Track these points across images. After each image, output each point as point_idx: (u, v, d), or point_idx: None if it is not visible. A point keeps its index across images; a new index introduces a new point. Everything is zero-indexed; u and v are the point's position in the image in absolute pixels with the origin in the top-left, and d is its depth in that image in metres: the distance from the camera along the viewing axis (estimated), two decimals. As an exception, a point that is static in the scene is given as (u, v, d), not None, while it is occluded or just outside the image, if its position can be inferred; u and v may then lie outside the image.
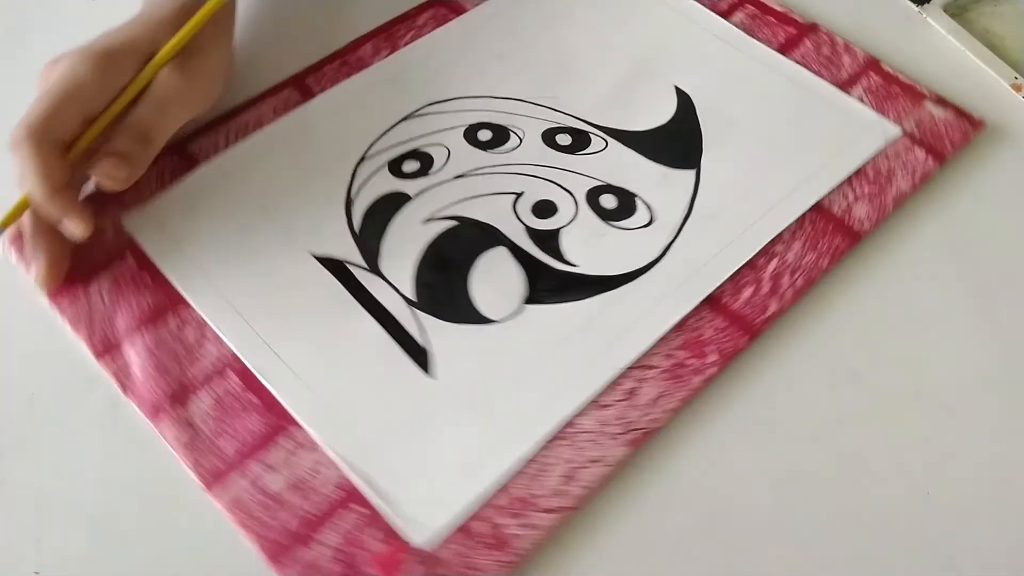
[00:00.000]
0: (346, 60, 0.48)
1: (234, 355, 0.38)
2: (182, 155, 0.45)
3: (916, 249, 0.42)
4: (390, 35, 0.50)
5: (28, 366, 0.40)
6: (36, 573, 0.35)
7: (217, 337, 0.38)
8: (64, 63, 0.40)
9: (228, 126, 0.45)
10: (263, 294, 0.39)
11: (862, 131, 0.45)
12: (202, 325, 0.39)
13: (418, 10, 0.51)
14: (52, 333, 0.41)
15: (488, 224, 0.42)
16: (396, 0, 0.51)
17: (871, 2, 0.52)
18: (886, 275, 0.42)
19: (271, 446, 0.36)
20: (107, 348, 0.38)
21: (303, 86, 0.47)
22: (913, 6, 0.52)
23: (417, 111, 0.46)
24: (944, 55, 0.50)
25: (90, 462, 0.37)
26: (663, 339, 0.38)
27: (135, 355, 0.38)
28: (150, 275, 0.40)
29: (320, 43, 0.50)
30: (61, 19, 0.54)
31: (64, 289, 0.40)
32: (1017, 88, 0.48)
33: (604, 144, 0.45)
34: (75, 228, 0.38)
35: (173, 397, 0.37)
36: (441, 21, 0.50)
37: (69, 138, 0.39)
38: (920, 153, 0.44)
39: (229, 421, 0.36)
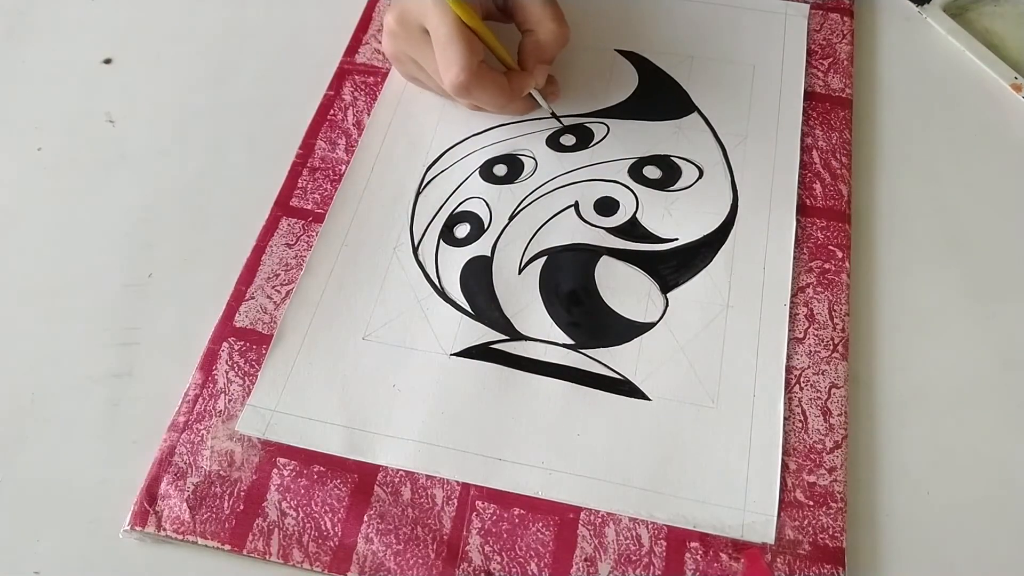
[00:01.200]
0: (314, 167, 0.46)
1: (468, 487, 0.36)
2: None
3: (917, 249, 0.42)
4: (331, 123, 0.47)
5: (28, 366, 0.40)
6: (36, 573, 0.35)
7: (443, 481, 0.36)
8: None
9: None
10: (444, 417, 0.38)
11: (784, 19, 0.50)
12: (412, 476, 0.36)
13: (335, 87, 0.49)
14: (53, 333, 0.41)
15: (574, 244, 0.42)
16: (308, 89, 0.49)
17: (871, 2, 0.52)
18: (887, 275, 0.42)
19: (579, 540, 0.35)
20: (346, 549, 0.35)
21: (290, 209, 0.44)
22: (913, 6, 0.52)
23: (423, 183, 0.45)
24: (944, 55, 0.50)
25: (90, 462, 0.37)
26: (795, 258, 0.41)
27: (381, 545, 0.35)
28: (326, 468, 0.37)
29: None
30: (61, 19, 0.54)
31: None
32: (1017, 88, 0.47)
33: (606, 129, 0.46)
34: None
35: (447, 559, 0.35)
36: (365, 91, 0.49)
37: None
38: (835, 16, 0.51)
39: (516, 549, 0.35)
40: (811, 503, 0.35)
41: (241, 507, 0.35)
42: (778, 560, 0.34)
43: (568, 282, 0.41)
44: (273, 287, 0.41)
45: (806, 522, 0.35)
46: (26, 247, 0.44)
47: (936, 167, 0.45)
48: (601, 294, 0.41)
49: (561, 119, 0.46)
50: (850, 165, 0.44)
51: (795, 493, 0.35)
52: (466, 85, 0.40)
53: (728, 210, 0.43)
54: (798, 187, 0.44)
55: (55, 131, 0.48)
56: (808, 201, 0.43)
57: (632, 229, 0.43)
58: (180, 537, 0.35)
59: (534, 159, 0.45)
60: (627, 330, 0.40)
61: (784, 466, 0.36)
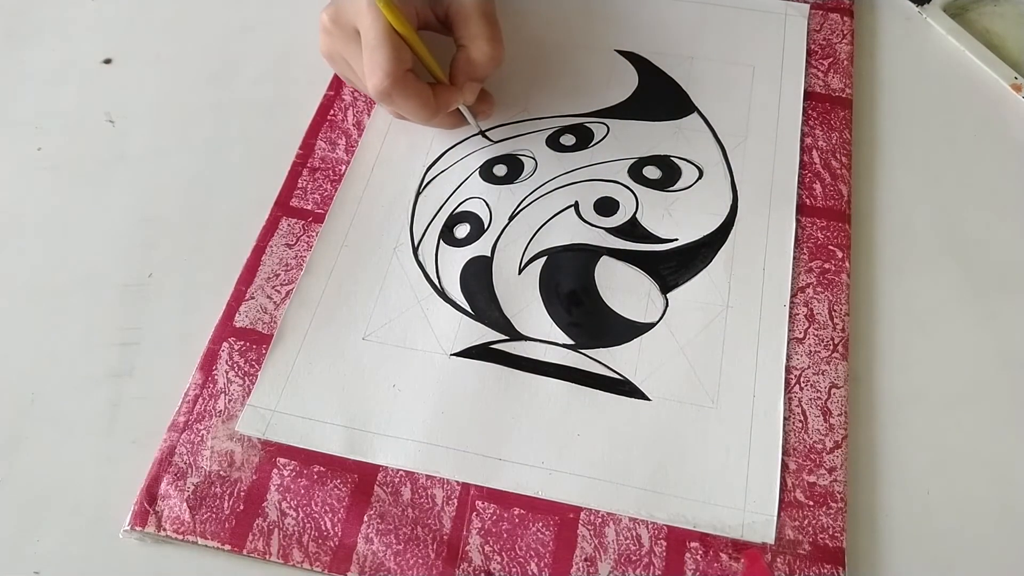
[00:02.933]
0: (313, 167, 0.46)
1: (468, 487, 0.36)
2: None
3: (917, 249, 0.42)
4: (332, 123, 0.48)
5: (29, 366, 0.40)
6: (36, 573, 0.35)
7: (443, 481, 0.36)
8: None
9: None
10: (444, 417, 0.38)
11: (784, 19, 0.50)
12: (412, 476, 0.36)
13: (335, 87, 0.49)
14: (53, 333, 0.41)
15: (574, 244, 0.42)
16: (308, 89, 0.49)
17: (871, 2, 0.52)
18: (887, 275, 0.42)
19: (579, 540, 0.35)
20: (346, 549, 0.35)
21: (290, 209, 0.45)
22: (913, 6, 0.52)
23: (423, 183, 0.45)
24: (944, 55, 0.50)
25: (90, 462, 0.37)
26: (795, 258, 0.41)
27: (381, 545, 0.35)
28: (327, 468, 0.37)
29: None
30: (61, 19, 0.54)
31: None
32: (1017, 88, 0.47)
33: (605, 129, 0.46)
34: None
35: (447, 559, 0.35)
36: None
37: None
38: (835, 16, 0.51)
39: (516, 549, 0.35)
40: (811, 503, 0.35)
41: (241, 507, 0.35)
42: (778, 560, 0.34)
43: (568, 282, 0.41)
44: (273, 287, 0.41)
45: (806, 522, 0.35)
46: (26, 247, 0.44)
47: (936, 167, 0.45)
48: (601, 294, 0.41)
49: (490, 138, 0.46)
50: (850, 165, 0.44)
51: (795, 493, 0.35)
52: (388, 91, 0.39)
53: (728, 210, 0.43)
54: (798, 187, 0.44)
55: (55, 131, 0.48)
56: (808, 201, 0.43)
57: (632, 229, 0.43)
58: (180, 537, 0.35)
59: (534, 159, 0.45)
60: (627, 330, 0.40)
61: (784, 466, 0.36)
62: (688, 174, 0.44)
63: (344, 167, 0.45)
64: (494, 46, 0.42)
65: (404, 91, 0.40)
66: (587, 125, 0.47)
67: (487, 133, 0.46)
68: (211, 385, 0.39)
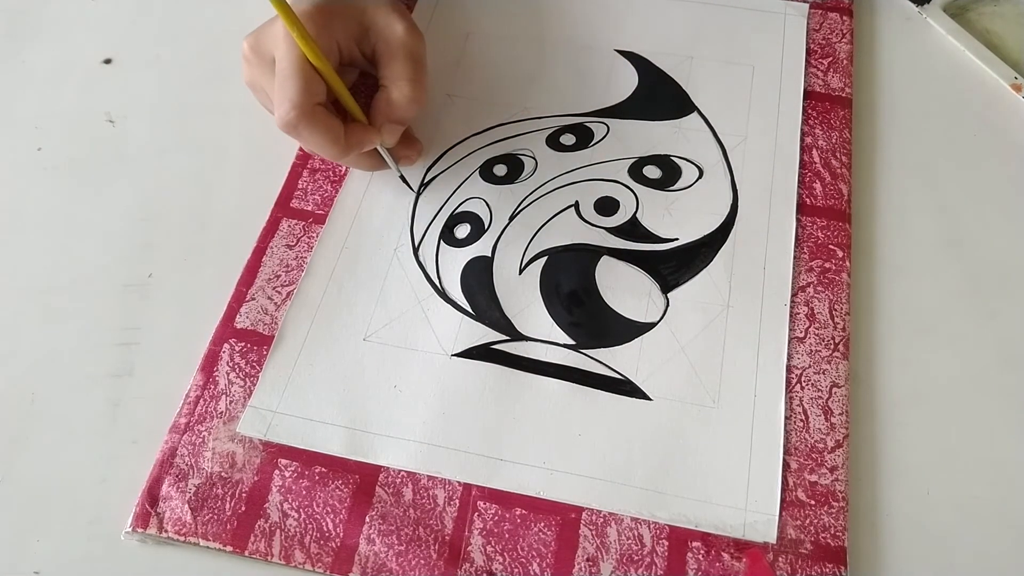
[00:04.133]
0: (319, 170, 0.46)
1: (469, 487, 0.36)
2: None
3: (917, 249, 0.42)
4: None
5: (29, 366, 0.40)
6: (36, 573, 0.35)
7: (444, 481, 0.36)
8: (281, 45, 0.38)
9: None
10: (446, 418, 0.38)
11: (783, 18, 0.50)
12: (413, 477, 0.36)
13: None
14: (53, 333, 0.41)
15: (574, 244, 0.42)
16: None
17: (871, 2, 0.52)
18: (887, 274, 0.42)
19: (581, 540, 0.35)
20: (348, 550, 0.35)
21: (291, 210, 0.44)
22: (913, 6, 0.52)
23: (423, 183, 0.45)
24: (944, 55, 0.50)
25: (90, 462, 0.37)
26: (796, 257, 0.41)
27: (383, 546, 0.35)
28: (328, 469, 0.37)
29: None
30: (61, 19, 0.54)
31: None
32: (1017, 88, 0.47)
33: (605, 128, 0.46)
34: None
35: (449, 559, 0.34)
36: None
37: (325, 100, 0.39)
38: (834, 16, 0.51)
39: (518, 549, 0.35)
40: (813, 502, 0.35)
41: (243, 508, 0.35)
42: (780, 560, 0.34)
43: (569, 282, 0.41)
44: (274, 288, 0.41)
45: (808, 521, 0.35)
46: (26, 247, 0.44)
47: (936, 167, 0.45)
48: (602, 294, 0.41)
49: (411, 185, 0.44)
50: (850, 164, 0.44)
51: (796, 492, 0.35)
52: (294, 124, 0.38)
53: (728, 210, 0.43)
54: (798, 186, 0.44)
55: (55, 131, 0.48)
56: (808, 200, 0.43)
57: (632, 229, 0.43)
58: (182, 538, 0.35)
59: (534, 159, 0.45)
60: (628, 330, 0.40)
61: (785, 465, 0.36)
62: (688, 174, 0.45)
63: (344, 168, 0.45)
64: (415, 88, 0.40)
65: (311, 124, 0.38)
66: (587, 125, 0.47)
67: (407, 180, 0.44)
68: (212, 386, 0.39)
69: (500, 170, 0.45)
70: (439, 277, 0.42)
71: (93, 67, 0.51)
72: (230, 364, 0.39)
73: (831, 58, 0.49)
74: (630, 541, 0.35)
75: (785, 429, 0.37)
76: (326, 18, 0.40)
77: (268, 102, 0.43)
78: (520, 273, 0.41)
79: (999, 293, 0.41)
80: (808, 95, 0.47)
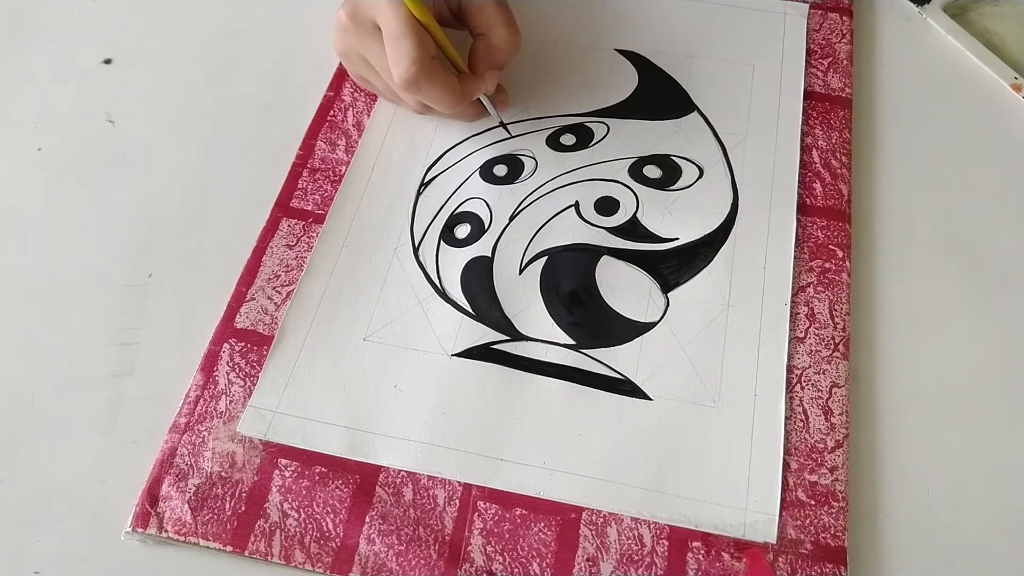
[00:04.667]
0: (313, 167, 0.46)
1: (470, 487, 0.36)
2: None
3: (917, 249, 0.42)
4: (332, 124, 0.47)
5: (29, 366, 0.40)
6: (36, 573, 0.35)
7: (444, 481, 0.36)
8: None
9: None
10: (446, 418, 0.38)
11: (783, 18, 0.51)
12: (414, 477, 0.36)
13: (335, 88, 0.49)
14: (53, 333, 0.41)
15: (574, 244, 0.42)
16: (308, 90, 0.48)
17: (871, 2, 0.52)
18: (887, 274, 0.42)
19: (581, 540, 0.35)
20: (348, 550, 0.35)
21: (291, 210, 0.44)
22: (913, 6, 0.52)
23: (423, 183, 0.45)
24: (944, 55, 0.50)
25: (90, 462, 0.37)
26: (796, 257, 0.41)
27: (383, 546, 0.35)
28: (328, 469, 0.37)
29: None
30: (61, 19, 0.54)
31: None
32: (1017, 88, 0.47)
33: (605, 128, 0.46)
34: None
35: (449, 559, 0.34)
36: (365, 92, 0.49)
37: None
38: (834, 16, 0.51)
39: (518, 549, 0.35)
40: (813, 502, 0.35)
41: (243, 508, 0.35)
42: (780, 560, 0.34)
43: (569, 282, 0.41)
44: (274, 288, 0.41)
45: (808, 521, 0.35)
46: (26, 247, 0.44)
47: (936, 167, 0.45)
48: (602, 294, 0.41)
49: (509, 128, 0.46)
50: (850, 164, 0.44)
51: (797, 492, 0.35)
52: (415, 79, 0.39)
53: (728, 209, 0.43)
54: (798, 186, 0.44)
55: (55, 131, 0.48)
56: (808, 200, 0.43)
57: (633, 229, 0.43)
58: (181, 538, 0.35)
59: (534, 159, 0.45)
60: (628, 330, 0.40)
61: (786, 465, 0.36)
62: (688, 173, 0.45)
63: (344, 168, 0.45)
64: (511, 31, 0.43)
65: (431, 78, 0.40)
66: (587, 124, 0.47)
67: (505, 122, 0.46)
68: (212, 386, 0.39)
69: (500, 170, 0.45)
70: (439, 277, 0.42)
71: (93, 67, 0.51)
72: (230, 364, 0.39)
73: (831, 58, 0.49)
74: (630, 541, 0.35)
75: (785, 429, 0.37)
76: None
77: (366, 69, 0.44)
78: (520, 273, 0.41)
79: (999, 293, 0.41)
80: (808, 95, 0.47)
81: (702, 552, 0.34)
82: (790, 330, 0.39)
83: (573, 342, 0.39)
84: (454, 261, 0.42)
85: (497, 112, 0.46)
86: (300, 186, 0.45)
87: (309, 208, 0.44)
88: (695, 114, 0.47)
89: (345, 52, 0.44)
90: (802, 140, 0.45)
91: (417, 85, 0.40)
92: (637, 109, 0.47)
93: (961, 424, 0.38)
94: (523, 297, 0.41)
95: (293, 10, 0.53)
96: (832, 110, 0.47)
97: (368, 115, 0.47)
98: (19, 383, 0.40)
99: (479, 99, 0.44)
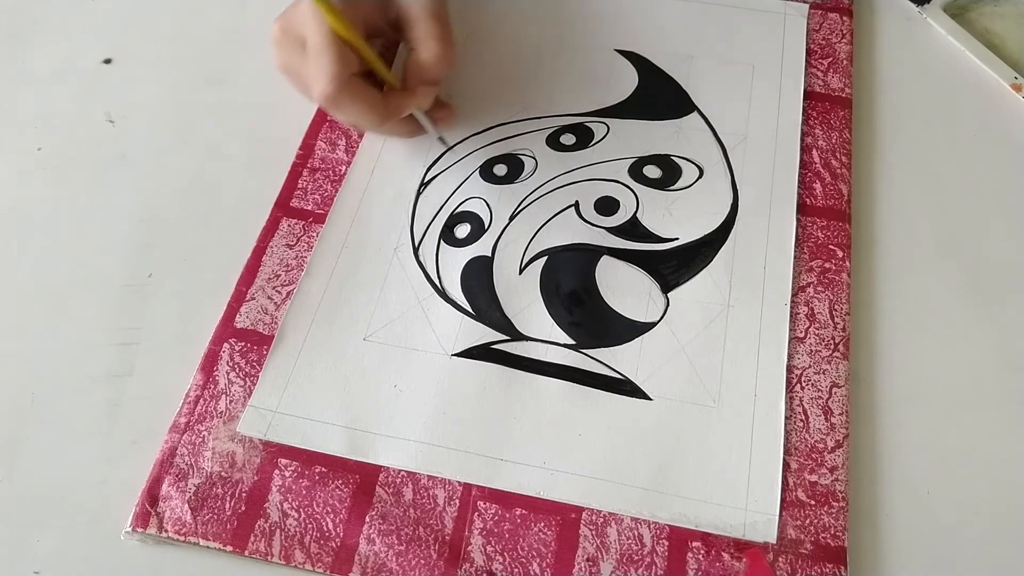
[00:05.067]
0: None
1: (470, 487, 0.36)
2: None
3: (917, 249, 0.42)
4: (332, 123, 0.47)
5: (29, 366, 0.40)
6: (36, 573, 0.35)
7: (444, 481, 0.36)
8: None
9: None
10: (446, 418, 0.37)
11: (783, 18, 0.51)
12: (414, 477, 0.36)
13: None
14: (53, 333, 0.41)
15: (574, 243, 0.42)
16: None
17: (871, 2, 0.52)
18: (887, 274, 0.42)
19: (581, 540, 0.35)
20: (348, 550, 0.35)
21: (291, 210, 0.44)
22: (913, 6, 0.52)
23: (423, 183, 0.45)
24: (944, 55, 0.50)
25: (90, 462, 0.37)
26: (796, 257, 0.41)
27: (383, 546, 0.35)
28: (328, 469, 0.37)
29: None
30: (61, 19, 0.54)
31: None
32: (1017, 88, 0.47)
33: (605, 128, 0.46)
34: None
35: (449, 559, 0.34)
36: None
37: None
38: (834, 16, 0.51)
39: (518, 549, 0.35)
40: (813, 502, 0.35)
41: (243, 508, 0.35)
42: (780, 560, 0.34)
43: (569, 282, 0.41)
44: (274, 288, 0.41)
45: (808, 521, 0.35)
46: (26, 247, 0.44)
47: (936, 167, 0.45)
48: (602, 294, 0.41)
49: (447, 142, 0.45)
50: (850, 164, 0.44)
51: (797, 492, 0.35)
52: (334, 97, 0.38)
53: (728, 209, 0.43)
54: (798, 186, 0.44)
55: (55, 131, 0.48)
56: (808, 200, 0.43)
57: (632, 229, 0.43)
58: (181, 538, 0.35)
59: (534, 159, 0.45)
60: (628, 330, 0.40)
61: (786, 465, 0.36)
62: (688, 173, 0.45)
63: (344, 167, 0.45)
64: (445, 47, 0.41)
65: (351, 95, 0.38)
66: (587, 124, 0.47)
67: (445, 139, 0.45)
68: (212, 386, 0.39)
69: (500, 170, 0.45)
70: (439, 277, 0.42)
71: (93, 67, 0.51)
72: (230, 364, 0.39)
73: (831, 58, 0.49)
74: (630, 541, 0.35)
75: (785, 429, 0.37)
76: None
77: (301, 85, 0.43)
78: (520, 273, 0.41)
79: (999, 293, 0.41)
80: (808, 95, 0.47)
81: (702, 552, 0.34)
82: (790, 330, 0.39)
83: (573, 342, 0.39)
84: (454, 261, 0.42)
85: (437, 128, 0.44)
86: (300, 186, 0.45)
87: (309, 208, 0.44)
88: (695, 114, 0.47)
89: (282, 67, 0.42)
90: (802, 140, 0.45)
91: (336, 103, 0.38)
92: (637, 109, 0.47)
93: (961, 424, 0.38)
94: (523, 297, 0.41)
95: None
96: (832, 110, 0.47)
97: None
98: (19, 383, 0.40)
99: (415, 115, 0.43)
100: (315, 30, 0.38)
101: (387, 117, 0.40)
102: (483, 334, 0.40)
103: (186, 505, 0.35)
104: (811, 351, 0.39)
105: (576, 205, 0.43)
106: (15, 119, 0.49)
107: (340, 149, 0.46)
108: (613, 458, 0.36)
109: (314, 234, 0.43)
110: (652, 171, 0.45)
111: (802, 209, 0.43)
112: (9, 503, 0.37)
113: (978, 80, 0.48)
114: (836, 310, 0.40)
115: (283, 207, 0.44)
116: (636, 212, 0.43)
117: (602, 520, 0.35)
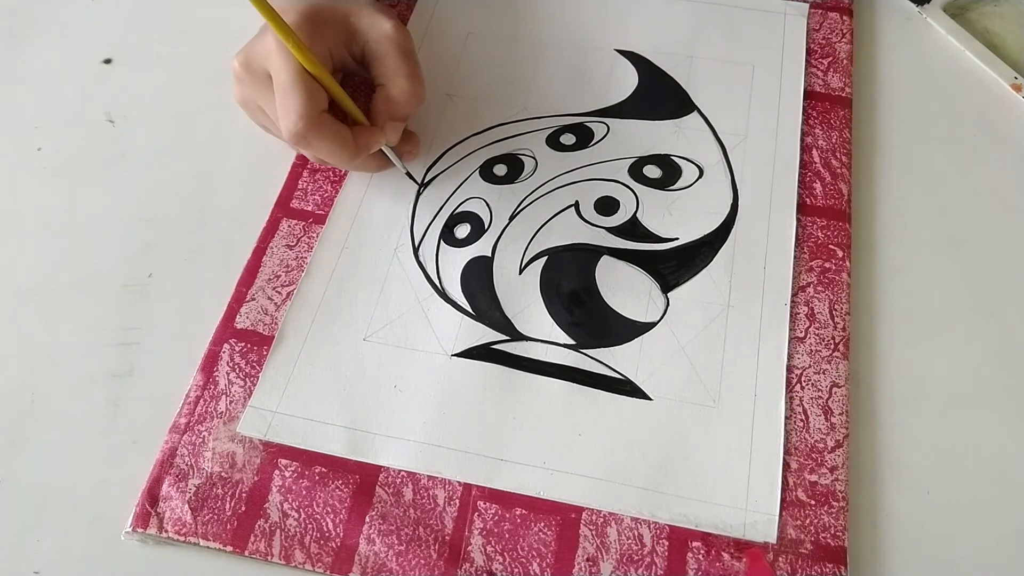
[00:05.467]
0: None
1: (470, 487, 0.36)
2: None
3: (917, 249, 0.42)
4: None
5: (29, 366, 0.40)
6: (36, 573, 0.35)
7: (444, 481, 0.36)
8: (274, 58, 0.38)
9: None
10: (446, 418, 0.37)
11: (783, 18, 0.51)
12: (414, 477, 0.36)
13: None
14: (53, 333, 0.41)
15: (574, 243, 0.42)
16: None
17: (871, 2, 0.52)
18: (887, 274, 0.42)
19: (581, 540, 0.35)
20: (348, 550, 0.35)
21: (291, 210, 0.44)
22: (913, 6, 0.52)
23: (423, 183, 0.45)
24: (944, 55, 0.50)
25: (90, 462, 0.37)
26: (796, 257, 0.41)
27: (383, 546, 0.35)
28: (328, 469, 0.37)
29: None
30: (61, 19, 0.54)
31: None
32: (1017, 88, 0.47)
33: (605, 128, 0.46)
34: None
35: (449, 559, 0.34)
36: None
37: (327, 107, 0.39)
38: (834, 16, 0.51)
39: (518, 549, 0.35)
40: (813, 502, 0.35)
41: (243, 508, 0.35)
42: (780, 559, 0.34)
43: (569, 282, 0.41)
44: (274, 288, 0.41)
45: (808, 521, 0.35)
46: (26, 247, 0.44)
47: (936, 167, 0.45)
48: (602, 294, 0.41)
49: (416, 179, 0.44)
50: (850, 164, 0.44)
51: (797, 492, 0.35)
52: (303, 134, 0.37)
53: (728, 209, 0.43)
54: (798, 186, 0.44)
55: (55, 131, 0.48)
56: (808, 200, 0.43)
57: (632, 229, 0.43)
58: (182, 539, 0.35)
59: (534, 159, 0.45)
60: (628, 330, 0.40)
61: (786, 465, 0.36)
62: (688, 173, 0.45)
63: (344, 169, 0.45)
64: (414, 83, 0.41)
65: (320, 133, 0.38)
66: (587, 124, 0.47)
67: (412, 174, 0.45)
68: (212, 386, 0.39)
69: (500, 170, 0.45)
70: (439, 277, 0.42)
71: (93, 67, 0.51)
72: (230, 364, 0.39)
73: (831, 58, 0.49)
74: (630, 541, 0.35)
75: (785, 429, 0.37)
76: (315, 26, 0.40)
77: (263, 119, 0.43)
78: (520, 273, 0.41)
79: (999, 293, 0.41)
80: (808, 95, 0.47)
81: (702, 552, 0.34)
82: (790, 330, 0.39)
83: (573, 342, 0.39)
84: (454, 261, 0.42)
85: (403, 163, 0.44)
86: (300, 186, 0.45)
87: (309, 208, 0.44)
88: (695, 114, 0.47)
89: (243, 102, 0.42)
90: (802, 140, 0.45)
91: (306, 140, 0.38)
92: (637, 109, 0.47)
93: (961, 424, 0.38)
94: (523, 297, 0.41)
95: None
96: (832, 110, 0.47)
97: (368, 115, 0.47)
98: (19, 383, 0.40)
99: (381, 151, 0.42)
100: (282, 66, 0.37)
101: (356, 154, 0.40)
102: (483, 334, 0.40)
103: (186, 505, 0.35)
104: (811, 351, 0.39)
105: (576, 205, 0.43)
106: (15, 119, 0.49)
107: (340, 149, 0.46)
108: (613, 458, 0.36)
109: (314, 235, 0.43)
110: (652, 171, 0.45)
111: (802, 209, 0.43)
112: (9, 503, 0.37)
113: (978, 80, 0.48)
114: (836, 310, 0.40)
115: (283, 208, 0.44)
116: (636, 212, 0.43)
117: (602, 520, 0.35)
